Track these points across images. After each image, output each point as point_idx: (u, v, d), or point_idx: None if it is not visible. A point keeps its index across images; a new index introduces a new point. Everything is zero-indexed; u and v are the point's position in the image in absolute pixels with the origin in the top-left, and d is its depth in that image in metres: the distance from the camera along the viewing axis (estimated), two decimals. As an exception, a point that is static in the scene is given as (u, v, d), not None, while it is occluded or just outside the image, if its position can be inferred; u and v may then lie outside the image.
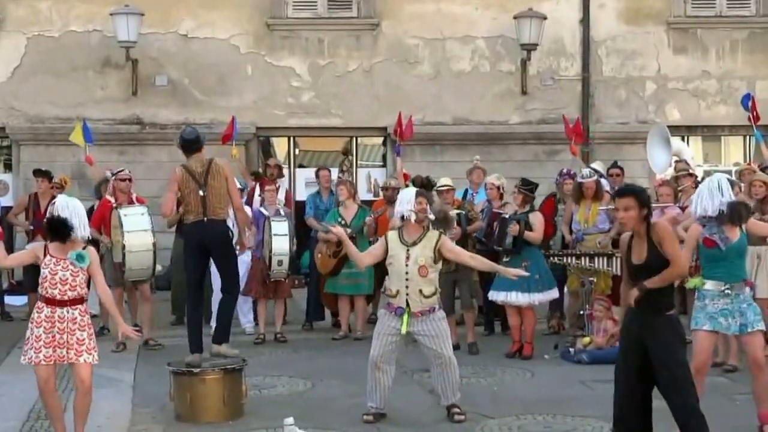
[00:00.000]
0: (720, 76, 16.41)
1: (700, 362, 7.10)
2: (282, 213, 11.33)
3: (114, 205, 10.69)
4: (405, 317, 7.69)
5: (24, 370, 8.74)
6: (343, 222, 11.49)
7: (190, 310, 8.81)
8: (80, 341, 6.85)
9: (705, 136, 17.01)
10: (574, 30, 16.21)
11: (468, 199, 11.83)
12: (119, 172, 11.13)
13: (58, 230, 6.80)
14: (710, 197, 7.07)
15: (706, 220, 7.11)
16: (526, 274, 8.67)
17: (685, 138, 16.56)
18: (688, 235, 7.58)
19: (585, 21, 16.15)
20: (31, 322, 6.90)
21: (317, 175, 12.79)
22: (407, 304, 7.70)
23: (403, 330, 7.70)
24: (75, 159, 15.29)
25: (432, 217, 7.81)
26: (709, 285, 7.15)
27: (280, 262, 10.95)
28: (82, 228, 6.91)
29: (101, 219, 10.84)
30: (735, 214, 7.05)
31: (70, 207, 6.91)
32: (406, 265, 7.70)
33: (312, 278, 12.23)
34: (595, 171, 11.40)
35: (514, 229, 10.11)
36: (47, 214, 7.03)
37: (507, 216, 10.25)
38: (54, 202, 7.06)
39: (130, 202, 10.73)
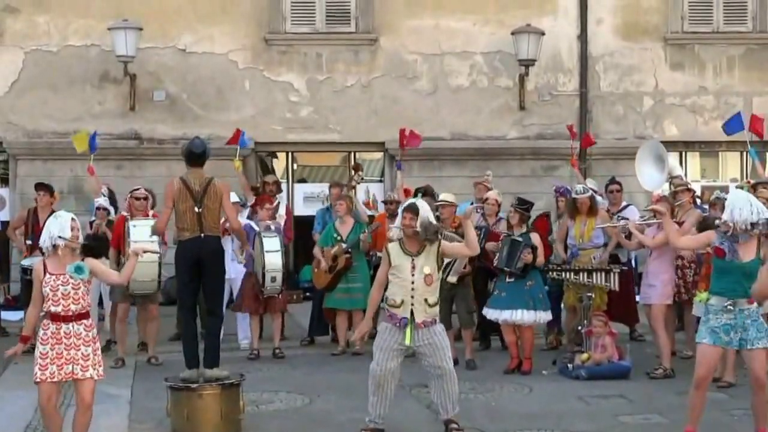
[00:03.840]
0: (717, 92, 16.45)
1: (700, 375, 7.12)
2: (272, 228, 11.25)
3: (127, 217, 10.73)
4: (409, 328, 7.65)
5: (20, 387, 8.73)
6: (339, 237, 11.50)
7: (185, 325, 8.80)
8: (85, 356, 6.84)
9: (702, 152, 17.02)
10: (571, 45, 16.25)
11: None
12: (135, 190, 11.13)
13: (96, 247, 7.01)
14: (747, 210, 7.02)
15: (723, 233, 7.13)
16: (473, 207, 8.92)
17: (683, 153, 16.60)
18: (703, 234, 7.78)
19: (583, 37, 16.20)
20: (38, 340, 6.90)
21: (330, 191, 12.49)
22: (411, 315, 7.66)
23: (407, 341, 7.66)
24: (72, 173, 15.33)
25: (419, 229, 7.69)
26: (714, 300, 7.20)
27: (273, 279, 10.85)
28: (62, 232, 6.84)
29: (118, 236, 10.73)
30: None
31: (58, 218, 6.93)
32: (412, 275, 7.65)
33: (316, 293, 12.10)
34: (590, 188, 11.37)
35: (528, 257, 10.10)
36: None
37: (519, 239, 10.20)
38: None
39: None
